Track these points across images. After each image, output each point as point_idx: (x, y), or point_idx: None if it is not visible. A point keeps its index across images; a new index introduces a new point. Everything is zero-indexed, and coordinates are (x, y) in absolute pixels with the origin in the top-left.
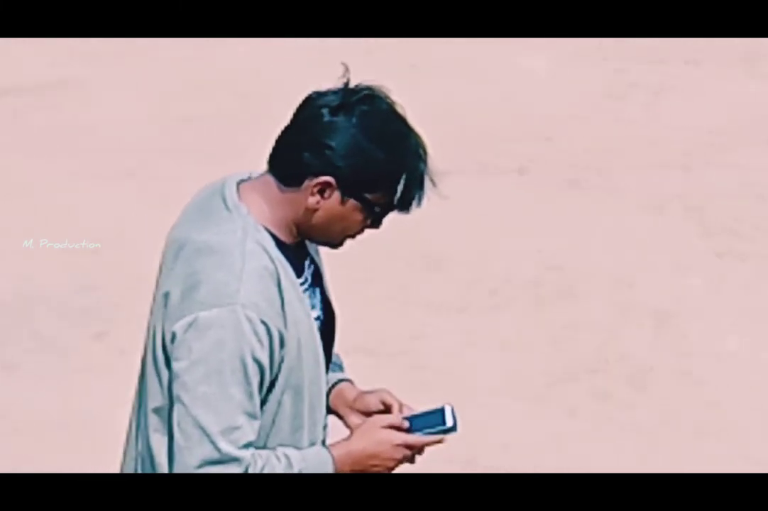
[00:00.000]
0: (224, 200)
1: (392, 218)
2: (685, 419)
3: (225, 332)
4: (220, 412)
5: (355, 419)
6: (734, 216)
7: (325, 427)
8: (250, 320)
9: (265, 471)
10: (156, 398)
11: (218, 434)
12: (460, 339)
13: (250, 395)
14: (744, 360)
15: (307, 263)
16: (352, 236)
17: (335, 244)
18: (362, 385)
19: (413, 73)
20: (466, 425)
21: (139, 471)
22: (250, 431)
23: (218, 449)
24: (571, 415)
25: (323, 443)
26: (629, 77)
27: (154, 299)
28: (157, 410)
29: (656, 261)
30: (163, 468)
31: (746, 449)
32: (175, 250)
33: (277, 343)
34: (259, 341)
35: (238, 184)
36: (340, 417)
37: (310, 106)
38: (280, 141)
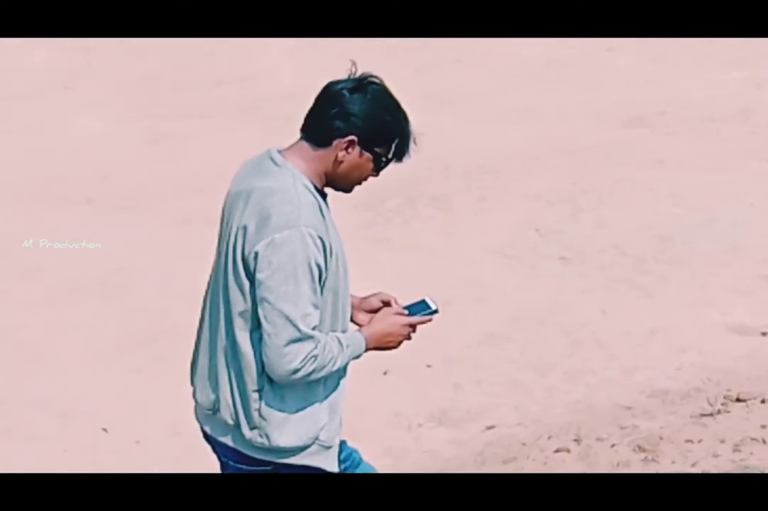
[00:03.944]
0: (273, 161)
1: None
2: None
3: (295, 246)
4: (297, 304)
5: (361, 316)
6: None
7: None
8: (311, 236)
9: (326, 347)
10: (239, 305)
11: (298, 319)
12: None
13: (315, 291)
14: None
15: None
16: (360, 183)
17: (349, 190)
18: None
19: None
20: None
21: (228, 363)
22: (316, 317)
23: (299, 330)
24: None
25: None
26: (160, 129)
27: (228, 235)
28: (241, 313)
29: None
30: (248, 356)
31: None
32: (244, 198)
33: (329, 252)
34: (318, 250)
35: (278, 151)
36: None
37: (331, 90)
38: (311, 116)
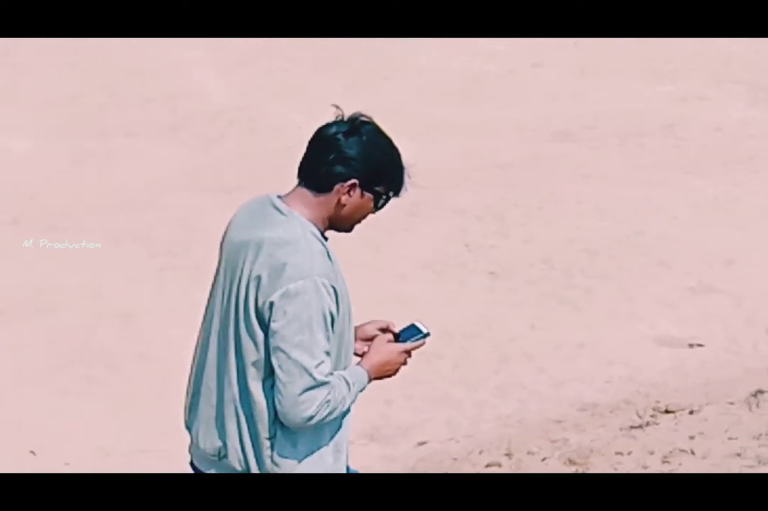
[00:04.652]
0: (277, 209)
1: None
2: None
3: (310, 296)
4: (313, 353)
5: (357, 345)
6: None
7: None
8: (324, 286)
9: (337, 390)
10: (251, 354)
11: (313, 368)
12: None
13: (328, 338)
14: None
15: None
16: (360, 222)
17: (350, 229)
18: None
19: None
20: None
21: (238, 411)
22: (328, 363)
23: (314, 378)
24: None
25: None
26: (86, 148)
27: (238, 286)
28: (254, 363)
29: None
30: (261, 404)
31: None
32: (254, 248)
33: (340, 299)
34: (332, 299)
35: (279, 197)
36: None
37: (324, 135)
38: (307, 163)
